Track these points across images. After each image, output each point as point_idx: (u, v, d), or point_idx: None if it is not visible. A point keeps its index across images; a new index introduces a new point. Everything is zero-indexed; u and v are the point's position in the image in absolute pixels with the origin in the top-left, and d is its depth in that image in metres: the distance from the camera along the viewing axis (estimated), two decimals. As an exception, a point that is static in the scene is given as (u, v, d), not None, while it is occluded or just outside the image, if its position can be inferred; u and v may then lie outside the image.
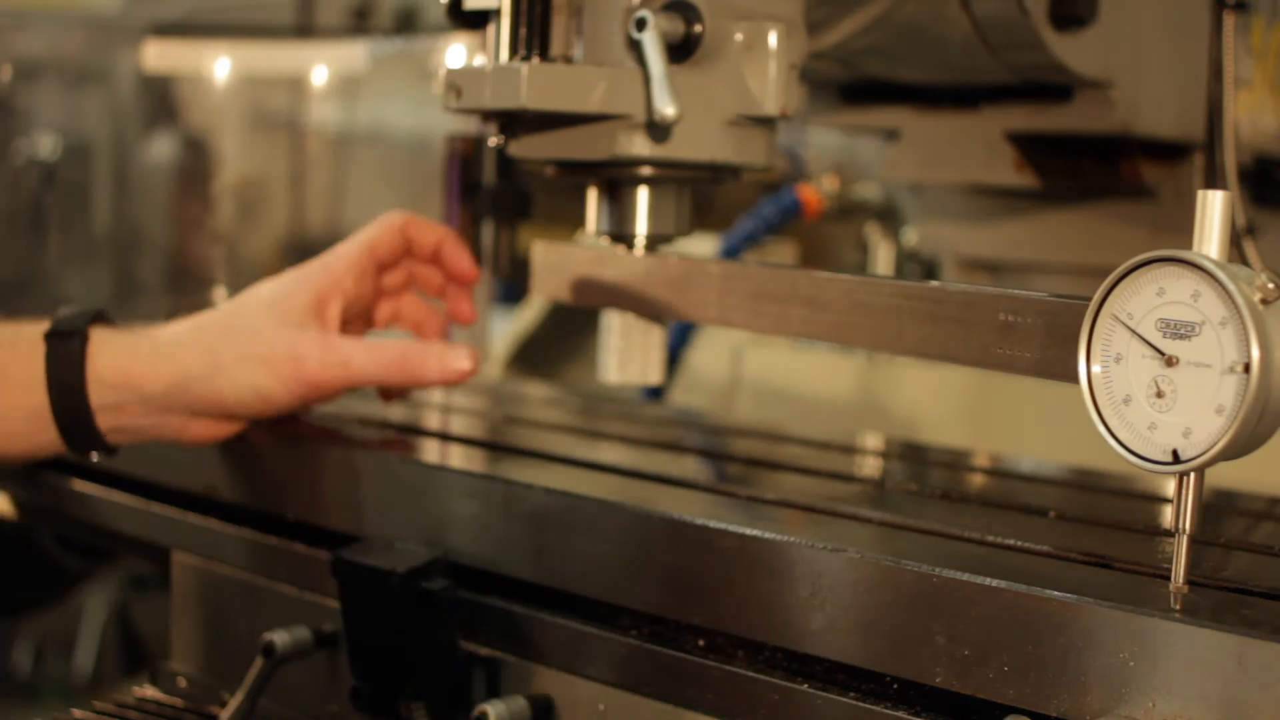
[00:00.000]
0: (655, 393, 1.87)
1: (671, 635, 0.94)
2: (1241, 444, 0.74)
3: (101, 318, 1.13)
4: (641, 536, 0.96)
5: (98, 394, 1.10)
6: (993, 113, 1.39)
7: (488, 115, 1.10)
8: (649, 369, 1.18)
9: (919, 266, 1.94)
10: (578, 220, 1.17)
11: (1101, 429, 0.78)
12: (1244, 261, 1.26)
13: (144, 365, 1.11)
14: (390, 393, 1.26)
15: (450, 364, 1.14)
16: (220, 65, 2.51)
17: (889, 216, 1.97)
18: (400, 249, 1.24)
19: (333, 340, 1.12)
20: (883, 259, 1.97)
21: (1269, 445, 0.76)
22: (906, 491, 1.12)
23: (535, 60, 1.04)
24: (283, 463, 1.18)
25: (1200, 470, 0.76)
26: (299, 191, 2.54)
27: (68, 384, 1.09)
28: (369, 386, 1.18)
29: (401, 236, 1.24)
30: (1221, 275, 0.73)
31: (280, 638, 1.08)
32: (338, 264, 1.18)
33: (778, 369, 1.86)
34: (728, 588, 0.91)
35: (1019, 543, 0.90)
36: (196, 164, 2.58)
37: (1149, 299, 0.76)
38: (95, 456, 1.14)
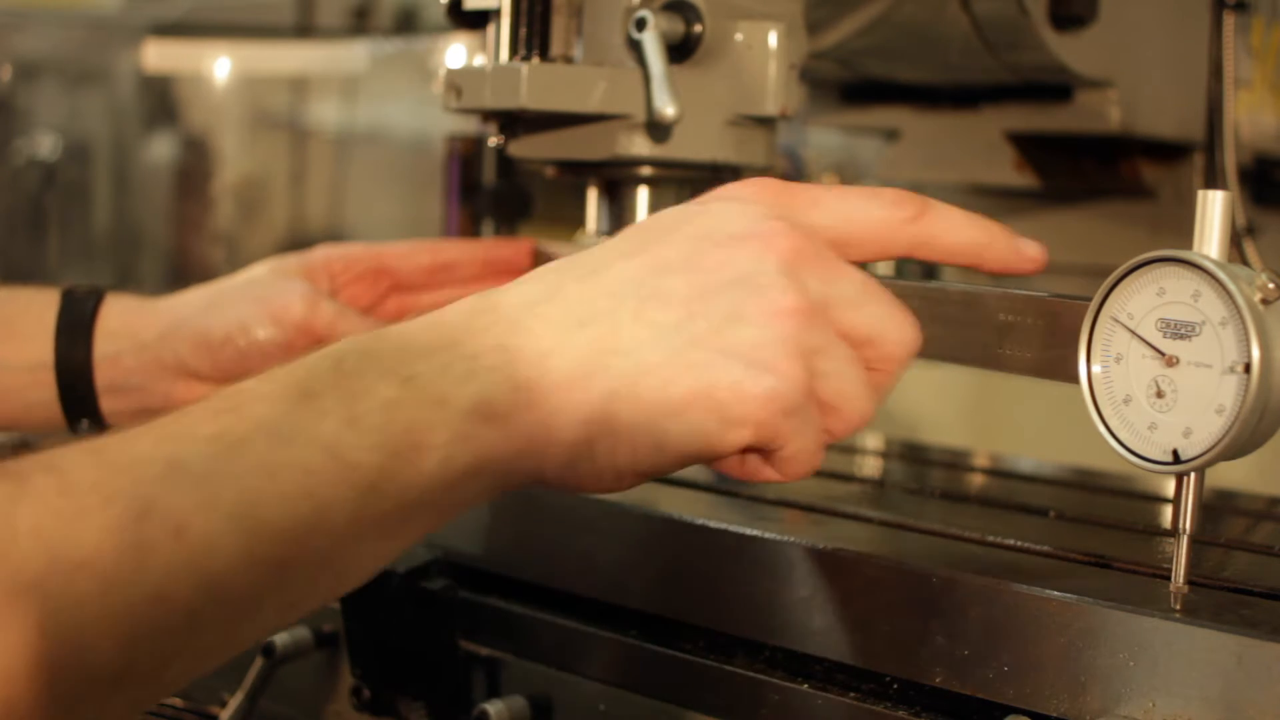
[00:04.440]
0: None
1: (671, 635, 0.94)
2: (1242, 444, 0.74)
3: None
4: (641, 536, 0.96)
5: (101, 344, 1.12)
6: (993, 113, 1.39)
7: (488, 115, 1.10)
8: (649, 369, 1.18)
9: (919, 266, 1.94)
10: (578, 220, 1.17)
11: (1101, 429, 0.78)
12: (1244, 261, 1.26)
13: (148, 315, 1.15)
14: None
15: None
16: (220, 65, 2.51)
17: (889, 216, 1.96)
18: (424, 270, 1.24)
19: (323, 296, 1.16)
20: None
21: (1269, 445, 0.77)
22: (906, 491, 1.12)
23: (535, 60, 1.04)
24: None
25: (1200, 470, 0.76)
26: (299, 191, 2.54)
27: (76, 332, 1.13)
28: None
29: (430, 258, 1.24)
30: (1222, 275, 0.73)
31: (280, 638, 1.08)
32: (334, 250, 1.21)
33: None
34: (728, 588, 0.91)
35: (1019, 543, 0.90)
36: (196, 164, 2.58)
37: (1149, 299, 0.76)
38: (85, 425, 1.14)
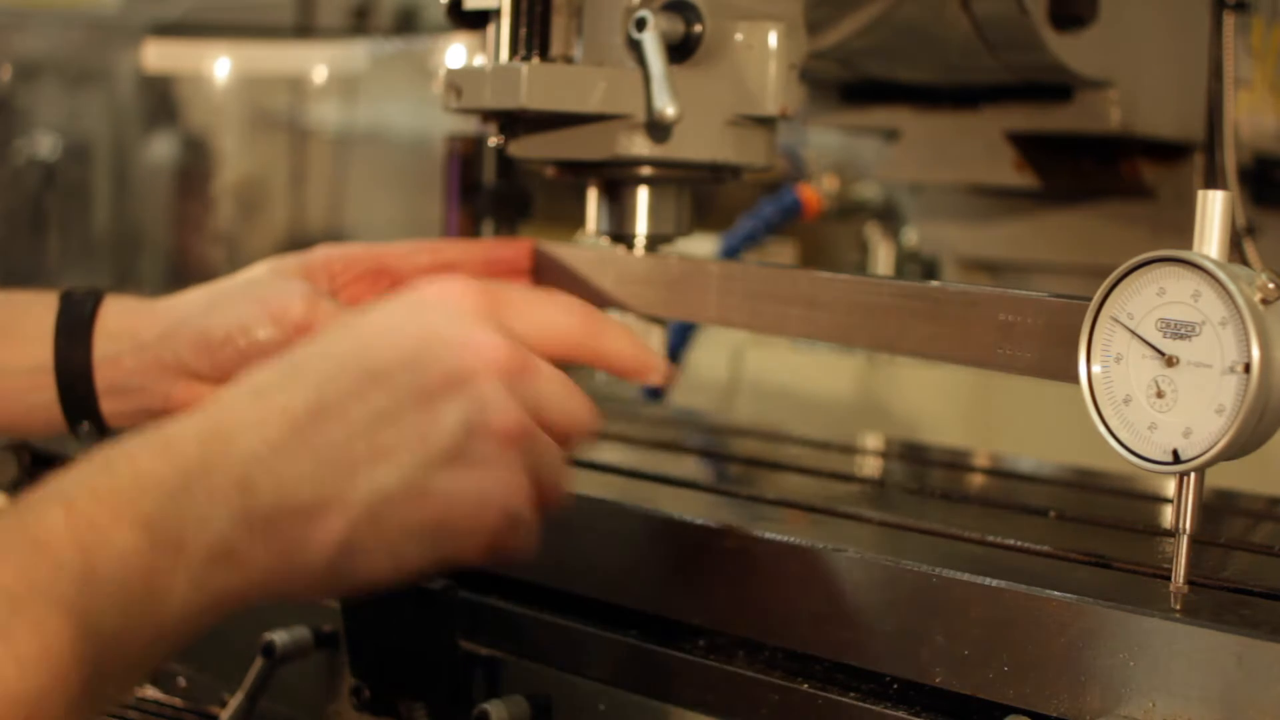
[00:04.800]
0: (655, 393, 1.87)
1: (671, 635, 0.94)
2: (1241, 444, 0.74)
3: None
4: (641, 536, 0.96)
5: (101, 345, 1.12)
6: (993, 113, 1.39)
7: (488, 115, 1.10)
8: (649, 369, 1.18)
9: (919, 266, 1.94)
10: (578, 220, 1.17)
11: (1101, 429, 0.78)
12: (1244, 261, 1.26)
13: (146, 315, 1.14)
14: None
15: None
16: (220, 65, 2.51)
17: (889, 216, 1.97)
18: (425, 271, 1.24)
19: (323, 297, 1.15)
20: (883, 259, 1.97)
21: (1269, 445, 0.76)
22: (906, 491, 1.12)
23: (535, 60, 1.04)
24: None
25: (1200, 470, 0.76)
26: (299, 191, 2.54)
27: (75, 334, 1.12)
28: None
29: (430, 258, 1.24)
30: (1221, 275, 0.73)
31: (280, 638, 1.08)
32: (334, 250, 1.21)
33: (778, 369, 1.86)
34: (728, 588, 0.91)
35: (1019, 543, 0.90)
36: (196, 164, 2.58)
37: (1149, 299, 0.76)
38: (85, 428, 1.14)
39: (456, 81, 1.06)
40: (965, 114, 1.41)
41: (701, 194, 1.23)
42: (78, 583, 0.63)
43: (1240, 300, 0.72)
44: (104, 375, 1.13)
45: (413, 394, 0.74)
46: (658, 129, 1.05)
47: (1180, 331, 0.75)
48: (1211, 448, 0.74)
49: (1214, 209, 0.75)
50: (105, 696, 0.66)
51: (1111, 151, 1.39)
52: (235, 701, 1.08)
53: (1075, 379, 0.79)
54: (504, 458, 0.76)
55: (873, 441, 1.47)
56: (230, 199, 2.55)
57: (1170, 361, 0.75)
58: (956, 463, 1.33)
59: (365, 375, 0.74)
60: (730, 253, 1.91)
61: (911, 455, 1.42)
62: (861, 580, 0.84)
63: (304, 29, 2.55)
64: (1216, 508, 1.11)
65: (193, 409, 0.73)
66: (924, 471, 1.29)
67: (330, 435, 0.72)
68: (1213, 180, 1.23)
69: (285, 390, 0.74)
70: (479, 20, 1.07)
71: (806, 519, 0.99)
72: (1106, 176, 1.41)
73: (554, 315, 0.86)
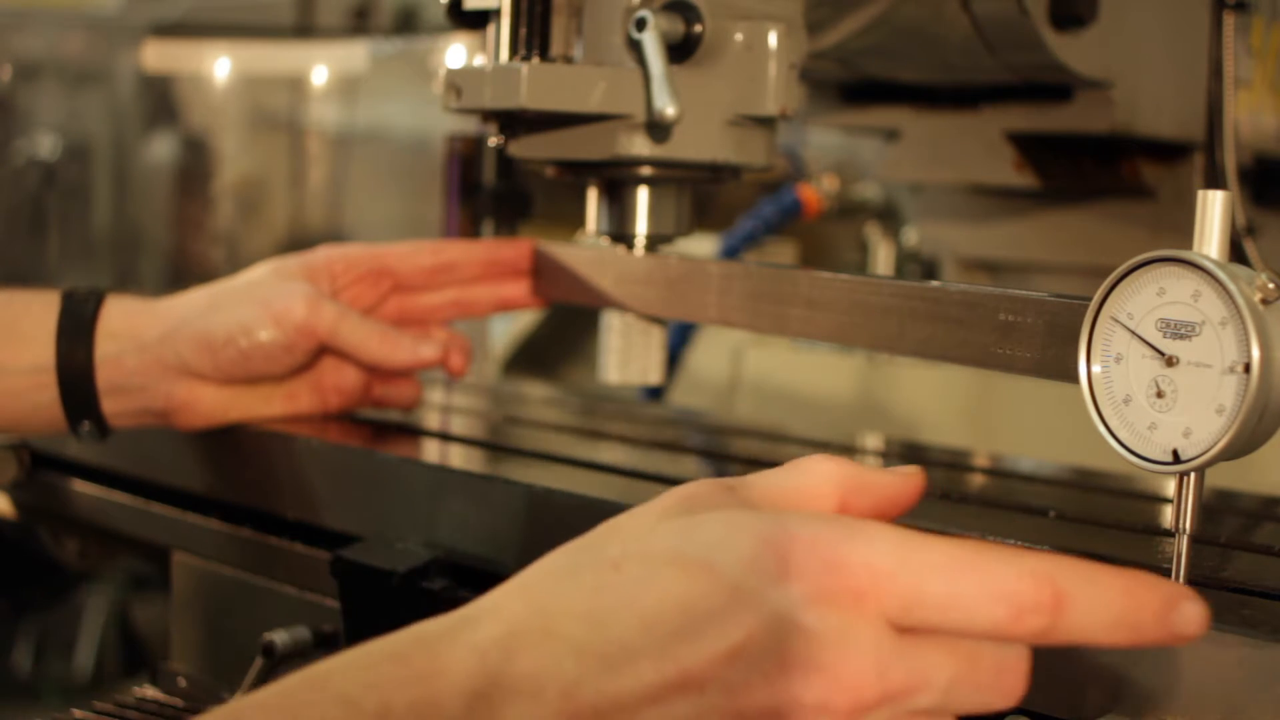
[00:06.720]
0: (655, 393, 1.87)
1: (671, 635, 0.93)
2: (1241, 444, 0.74)
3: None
4: (641, 536, 0.95)
5: (103, 345, 1.13)
6: (993, 113, 1.39)
7: (488, 115, 1.10)
8: (649, 369, 1.19)
9: (919, 266, 1.94)
10: (578, 220, 1.17)
11: (1101, 429, 0.78)
12: (1244, 261, 1.26)
13: (148, 315, 1.15)
14: (389, 398, 1.26)
15: (421, 350, 1.19)
16: (220, 65, 2.51)
17: (889, 216, 1.97)
18: (426, 271, 1.24)
19: (324, 298, 1.17)
20: (883, 259, 1.97)
21: (1269, 445, 0.76)
22: (906, 491, 1.12)
23: (535, 60, 1.04)
24: (282, 462, 1.18)
25: (1200, 470, 0.76)
26: (299, 191, 2.54)
27: (77, 333, 1.13)
28: (348, 354, 1.18)
29: (431, 259, 1.24)
30: (1222, 275, 0.73)
31: (280, 638, 1.08)
32: (335, 250, 1.21)
33: (778, 369, 1.86)
34: (728, 588, 0.90)
35: (1019, 543, 0.90)
36: (196, 164, 2.58)
37: (1149, 299, 0.76)
38: (86, 427, 1.14)
39: (456, 81, 1.06)
40: (965, 114, 1.41)
41: (701, 194, 1.23)
42: None
43: (1240, 300, 0.72)
44: (105, 375, 1.13)
45: (721, 715, 0.58)
46: (658, 129, 1.05)
47: (1180, 331, 0.75)
48: (1211, 448, 0.74)
49: (1214, 209, 0.75)
50: None
51: (1111, 151, 1.39)
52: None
53: (1075, 379, 0.79)
54: None
55: (873, 441, 1.47)
56: (230, 199, 2.55)
57: (1170, 361, 0.75)
58: (956, 463, 1.33)
59: (678, 675, 0.58)
60: (730, 253, 1.91)
61: (911, 455, 1.41)
62: (861, 580, 0.84)
63: (304, 29, 2.56)
64: (1216, 508, 1.11)
65: (473, 630, 0.64)
66: (924, 472, 1.29)
67: None
68: (1213, 180, 1.23)
69: (577, 655, 0.59)
70: (479, 20, 1.07)
71: (806, 519, 0.98)
72: (1106, 176, 1.41)
73: (978, 610, 0.59)
